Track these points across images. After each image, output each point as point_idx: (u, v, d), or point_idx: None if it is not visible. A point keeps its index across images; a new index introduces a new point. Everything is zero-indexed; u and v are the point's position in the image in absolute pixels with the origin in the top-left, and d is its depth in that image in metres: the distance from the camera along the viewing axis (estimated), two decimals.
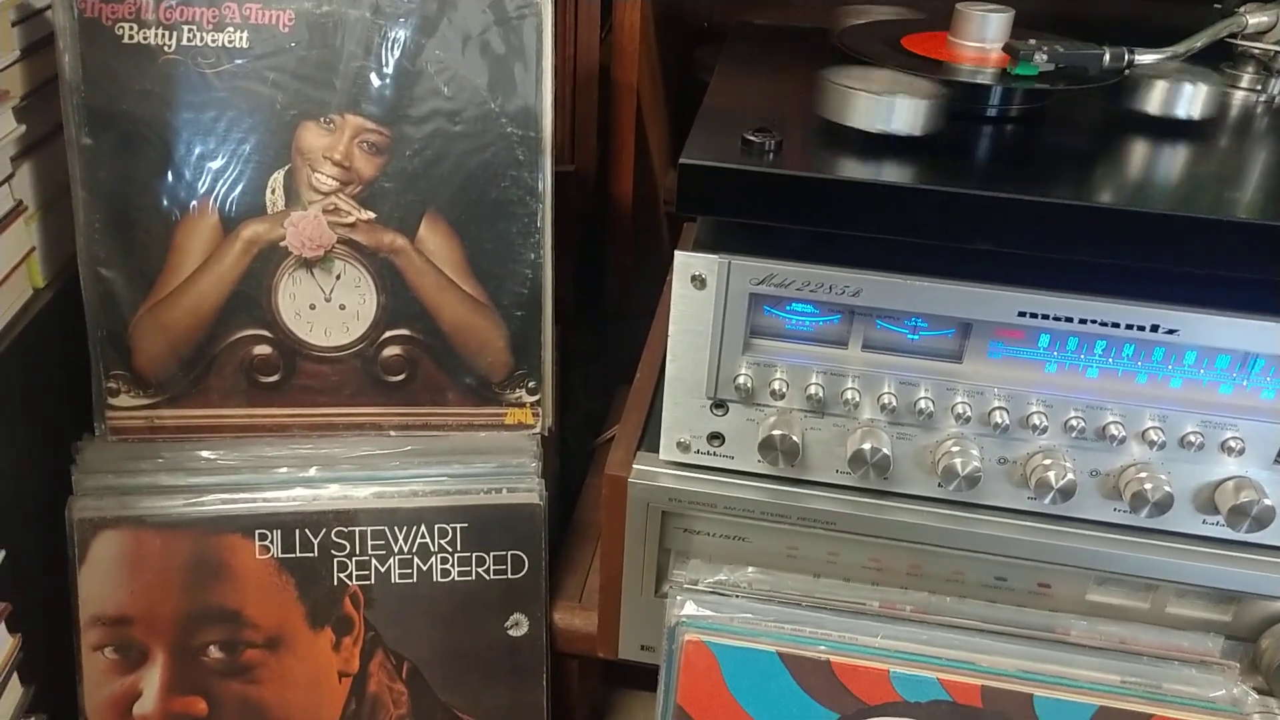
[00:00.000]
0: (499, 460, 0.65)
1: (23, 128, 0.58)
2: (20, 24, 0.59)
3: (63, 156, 0.63)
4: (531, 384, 0.66)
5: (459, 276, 0.63)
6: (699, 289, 0.47)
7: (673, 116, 1.00)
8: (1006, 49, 0.52)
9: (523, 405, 0.66)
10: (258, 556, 0.61)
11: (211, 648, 0.61)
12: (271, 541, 0.61)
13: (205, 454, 0.62)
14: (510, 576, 0.63)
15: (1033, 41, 0.51)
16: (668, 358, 0.50)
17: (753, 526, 0.53)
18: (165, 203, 0.61)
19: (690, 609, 0.51)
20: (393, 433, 0.65)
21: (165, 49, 0.59)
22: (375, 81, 0.61)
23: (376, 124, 0.61)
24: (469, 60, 0.61)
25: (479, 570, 0.63)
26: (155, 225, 0.61)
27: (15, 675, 0.55)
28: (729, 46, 0.66)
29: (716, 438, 0.51)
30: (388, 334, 0.64)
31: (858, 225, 0.44)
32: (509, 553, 0.63)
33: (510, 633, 0.64)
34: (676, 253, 0.47)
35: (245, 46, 0.60)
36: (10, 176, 0.58)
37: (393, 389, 0.65)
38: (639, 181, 0.87)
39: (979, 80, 0.52)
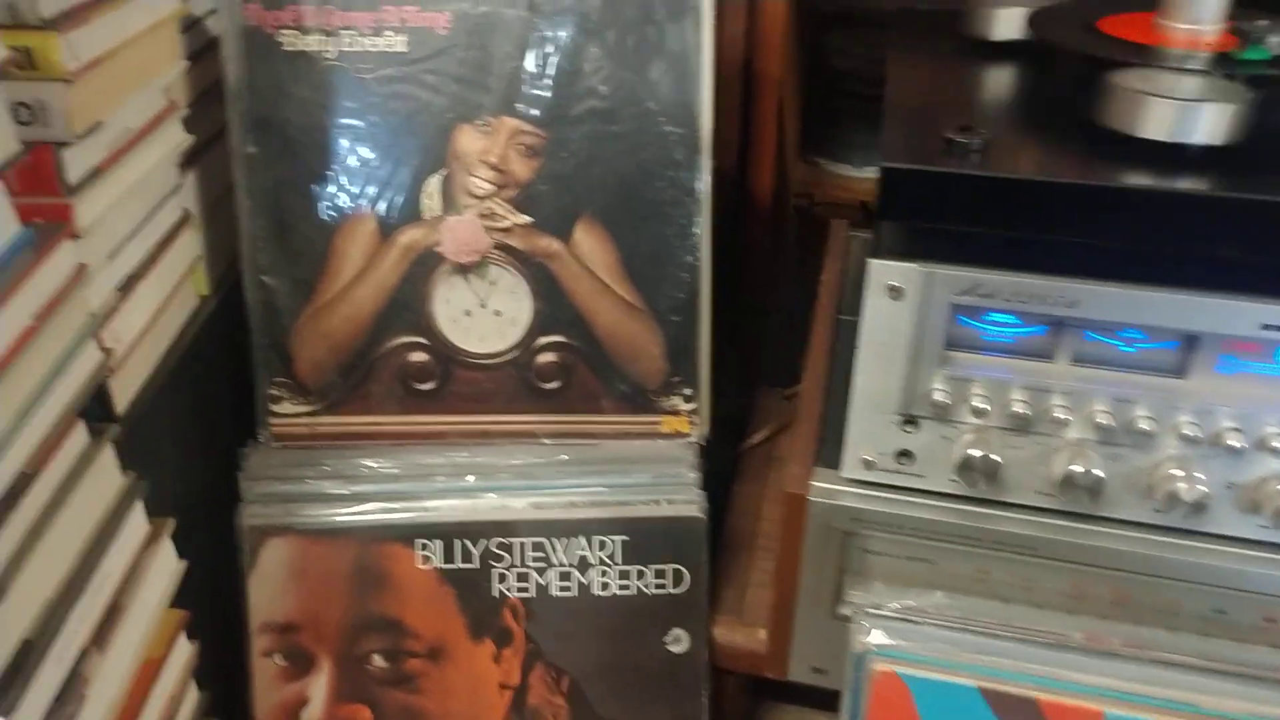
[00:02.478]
0: (656, 470, 0.63)
1: (191, 138, 0.58)
2: (183, 34, 0.59)
3: (220, 164, 0.63)
4: (687, 391, 0.63)
5: (614, 281, 0.62)
6: (894, 300, 0.44)
7: (803, 106, 0.97)
8: (1233, 31, 0.47)
9: (678, 413, 0.64)
10: (419, 566, 0.61)
11: (375, 656, 0.61)
12: (432, 551, 0.61)
13: (365, 462, 0.62)
14: (671, 590, 0.62)
15: (1264, 22, 0.46)
16: (856, 371, 0.47)
17: (940, 549, 0.50)
18: (325, 209, 0.60)
19: (880, 637, 0.48)
20: (546, 441, 0.64)
21: (325, 55, 0.59)
22: (531, 82, 0.59)
23: (532, 125, 0.60)
24: (626, 58, 0.59)
25: (639, 584, 0.61)
26: (315, 232, 0.61)
27: (193, 680, 0.56)
28: (895, 36, 0.62)
29: (905, 455, 0.48)
30: (542, 340, 0.63)
31: (1082, 232, 0.41)
32: (669, 566, 0.61)
33: (670, 648, 0.62)
34: (871, 262, 0.44)
35: (403, 50, 0.59)
36: (178, 186, 0.59)
37: (547, 396, 0.63)
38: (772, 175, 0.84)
39: (1196, 67, 0.47)
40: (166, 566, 0.52)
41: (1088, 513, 0.47)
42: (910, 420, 0.47)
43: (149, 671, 0.51)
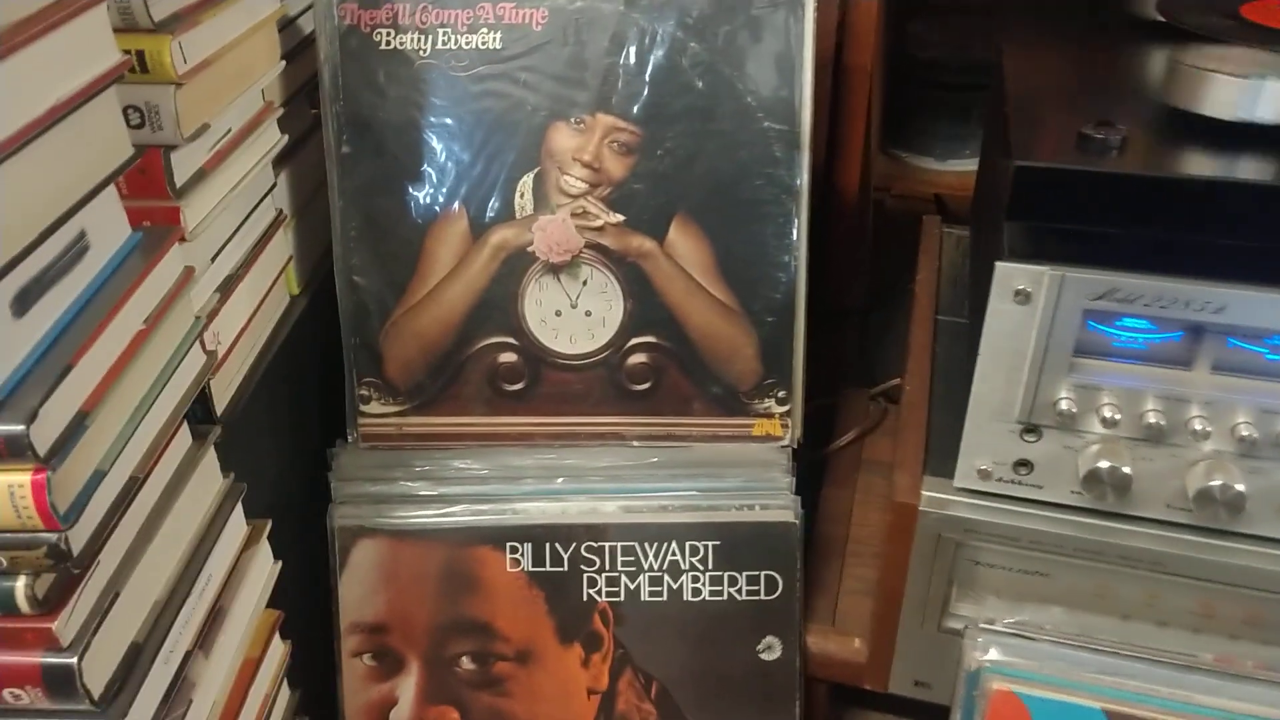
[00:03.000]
0: (748, 474, 0.61)
1: (285, 138, 0.58)
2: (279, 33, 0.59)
3: (309, 162, 0.63)
4: (781, 394, 0.62)
5: (708, 281, 0.60)
6: (1020, 304, 0.42)
7: (887, 97, 0.94)
8: None
9: (771, 416, 0.62)
10: (508, 569, 0.60)
11: (464, 659, 0.60)
12: (521, 554, 0.60)
13: (454, 463, 0.62)
14: (763, 598, 0.60)
15: None
16: (976, 378, 0.45)
17: (1058, 562, 0.48)
18: (417, 208, 0.60)
19: (996, 654, 0.46)
20: (635, 443, 0.63)
21: (420, 53, 0.58)
22: (627, 78, 0.58)
23: (628, 123, 0.59)
24: (725, 53, 0.58)
25: (730, 590, 0.60)
26: (407, 232, 0.60)
27: (285, 680, 0.56)
28: (1007, 25, 0.60)
29: (1024, 465, 0.46)
30: (633, 341, 0.61)
31: (1230, 232, 0.38)
32: (762, 573, 0.60)
33: (762, 656, 0.61)
34: (998, 264, 0.42)
35: (498, 48, 0.58)
36: (273, 186, 0.59)
37: (637, 398, 0.62)
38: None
39: None
40: (264, 567, 0.52)
41: (1224, 528, 0.44)
42: (1031, 429, 0.45)
43: (247, 672, 0.51)
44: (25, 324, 0.35)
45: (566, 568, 0.60)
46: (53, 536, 0.35)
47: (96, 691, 0.38)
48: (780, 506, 0.60)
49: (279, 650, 0.55)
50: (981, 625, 0.48)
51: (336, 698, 0.61)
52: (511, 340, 0.62)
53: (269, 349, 0.58)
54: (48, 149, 0.35)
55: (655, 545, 0.60)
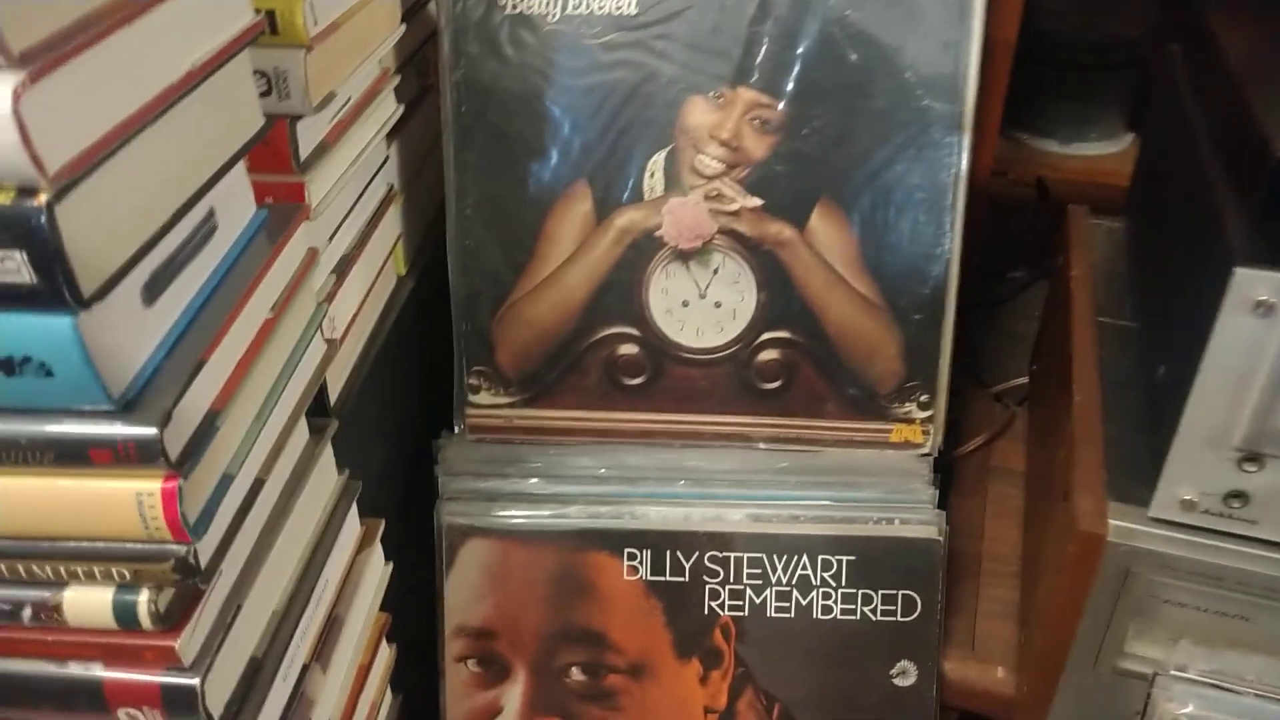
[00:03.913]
0: (886, 484, 0.57)
1: (401, 108, 0.54)
2: None
3: (416, 134, 0.59)
4: (924, 398, 0.57)
5: (851, 273, 0.55)
6: (1261, 316, 0.37)
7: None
8: None
9: (911, 421, 0.57)
10: (625, 577, 0.56)
11: (574, 669, 0.57)
12: (641, 562, 0.56)
13: (570, 460, 0.58)
14: (900, 619, 0.55)
15: None
16: (1191, 398, 0.39)
17: (1265, 607, 0.42)
18: (538, 186, 0.56)
19: (1194, 708, 0.41)
20: (762, 445, 0.58)
21: (549, 18, 0.54)
22: (773, 49, 0.53)
23: (772, 98, 0.53)
24: (884, 23, 0.52)
25: (865, 609, 0.56)
26: (527, 212, 0.56)
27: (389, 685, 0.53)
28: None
29: (1238, 497, 0.41)
30: (765, 336, 0.57)
31: None
32: (900, 592, 0.55)
33: (896, 682, 0.56)
34: (1237, 271, 0.36)
35: (633, 13, 0.53)
36: (386, 160, 0.55)
37: (766, 397, 0.58)
38: None
39: None
40: (377, 570, 0.49)
41: None
42: (1253, 458, 0.40)
43: (358, 680, 0.48)
44: (155, 313, 0.32)
45: (688, 578, 0.56)
46: (181, 549, 0.32)
47: (217, 713, 0.35)
48: (922, 521, 0.55)
49: (386, 655, 0.51)
50: (1174, 673, 0.42)
51: (438, 704, 0.58)
52: (633, 331, 0.57)
53: (378, 334, 0.55)
54: (182, 118, 0.32)
55: (785, 558, 0.55)
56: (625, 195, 0.55)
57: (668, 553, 0.56)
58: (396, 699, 0.53)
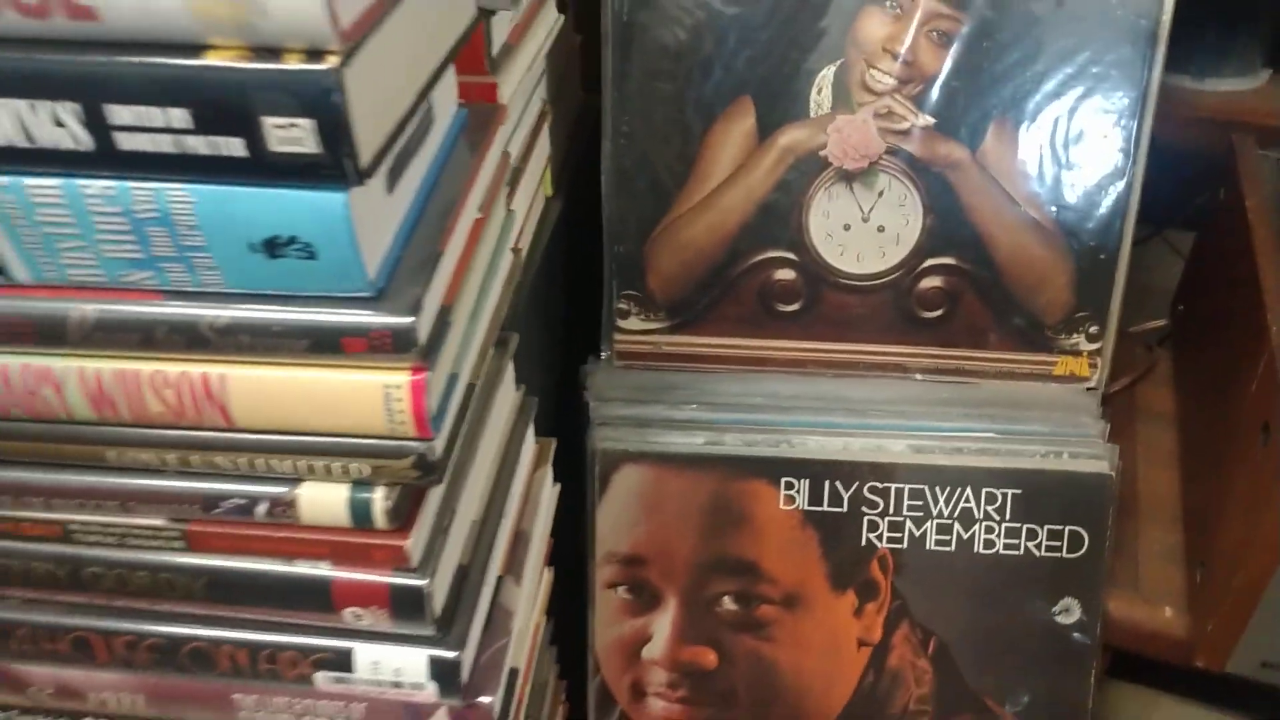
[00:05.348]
0: (1051, 418, 0.55)
1: (563, 18, 0.52)
2: None
3: (559, 50, 0.57)
4: (1093, 329, 0.55)
5: (1025, 197, 0.53)
6: None
7: None
8: None
9: (1078, 354, 0.55)
10: (781, 506, 0.55)
11: (725, 599, 0.56)
12: (798, 491, 0.55)
13: (723, 387, 0.56)
14: (1064, 555, 0.54)
15: None
16: None
17: None
18: (700, 102, 0.54)
19: None
20: (919, 376, 0.56)
21: None
22: None
23: (952, 8, 0.51)
24: None
25: (1029, 544, 0.54)
26: (686, 129, 0.54)
27: None
28: None
29: None
30: (929, 263, 0.55)
31: None
32: (1066, 528, 0.54)
33: (1059, 619, 0.55)
34: None
35: None
36: (543, 73, 0.53)
37: (926, 326, 0.56)
38: None
39: None
40: (548, 490, 0.48)
41: None
42: None
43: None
44: (394, 201, 0.30)
45: (846, 508, 0.55)
46: (422, 446, 0.31)
47: (436, 616, 0.35)
48: (1092, 456, 0.53)
49: (547, 578, 0.51)
50: None
51: (586, 629, 0.58)
52: (791, 255, 0.55)
53: (533, 255, 0.53)
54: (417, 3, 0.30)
55: (947, 490, 0.54)
56: (790, 113, 0.53)
57: (826, 482, 0.55)
58: (549, 623, 0.53)
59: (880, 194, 0.54)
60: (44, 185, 0.26)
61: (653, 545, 0.56)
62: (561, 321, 0.60)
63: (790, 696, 0.57)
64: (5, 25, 0.24)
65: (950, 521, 0.54)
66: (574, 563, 0.58)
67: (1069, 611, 0.55)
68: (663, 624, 0.57)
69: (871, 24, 0.52)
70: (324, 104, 0.24)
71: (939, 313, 0.55)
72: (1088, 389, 0.55)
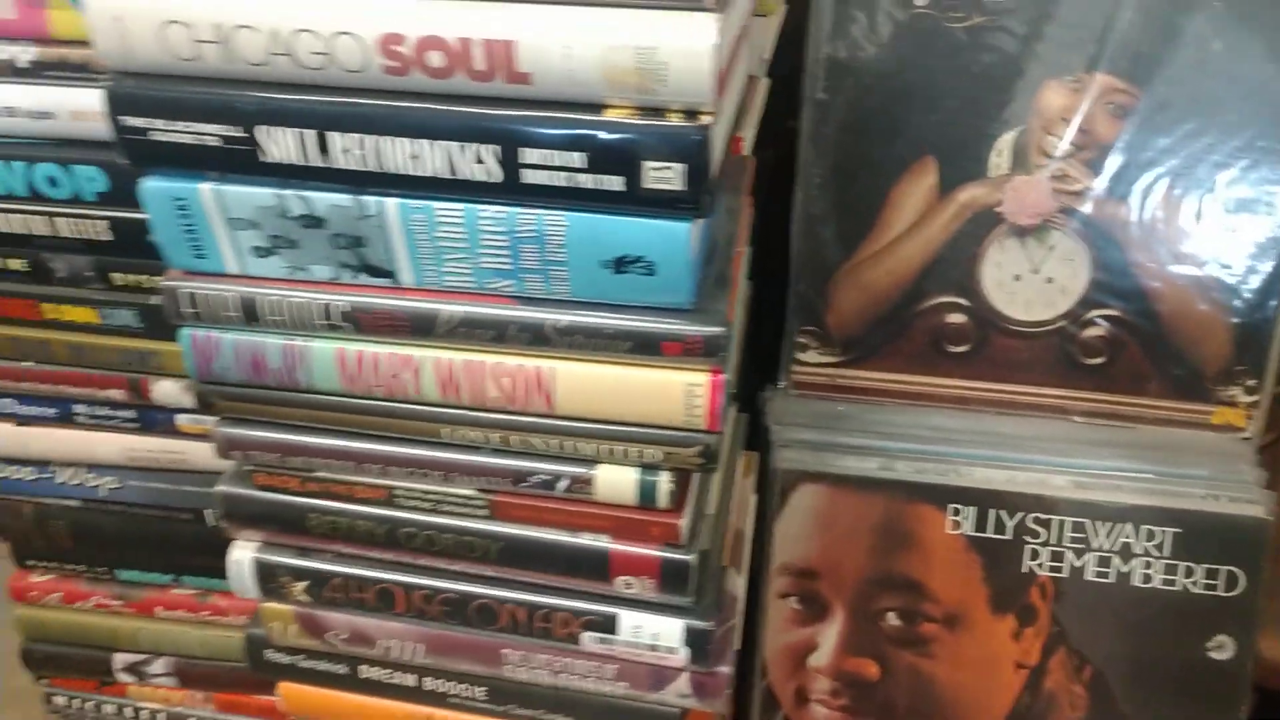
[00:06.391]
0: (1207, 464, 0.58)
1: (768, 80, 0.59)
2: None
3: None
4: (1250, 382, 0.58)
5: (1188, 257, 0.57)
6: None
7: None
8: None
9: (1235, 405, 0.59)
10: (947, 530, 0.59)
11: (890, 614, 0.60)
12: (964, 517, 0.59)
13: (891, 418, 0.61)
14: (1220, 593, 0.57)
15: None
16: None
17: None
18: (888, 160, 0.60)
19: None
20: (1078, 418, 0.61)
21: (915, 3, 0.58)
22: (1135, 36, 0.56)
23: (1129, 84, 0.56)
24: (1253, 13, 0.54)
25: (1185, 581, 0.57)
26: (874, 182, 0.60)
27: None
28: None
29: None
30: (1094, 313, 0.59)
31: None
32: (1223, 567, 0.57)
33: (1212, 655, 0.58)
34: None
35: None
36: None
37: (1087, 372, 0.60)
38: None
39: None
40: (749, 500, 0.54)
41: None
42: None
43: None
44: (699, 227, 0.37)
45: (1010, 536, 0.59)
46: (709, 438, 0.37)
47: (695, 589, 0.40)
48: (1249, 500, 0.57)
49: (739, 586, 0.56)
50: None
51: (755, 634, 0.62)
52: (963, 301, 0.61)
53: None
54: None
55: (1108, 525, 0.58)
56: (970, 172, 0.59)
57: (991, 511, 0.59)
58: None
59: (1051, 248, 0.59)
60: (450, 209, 0.33)
61: (825, 560, 0.61)
62: (744, 349, 0.66)
63: (947, 712, 0.60)
64: (455, 85, 0.31)
65: (1109, 555, 0.58)
66: (749, 572, 0.63)
67: (1223, 648, 0.57)
68: (829, 635, 0.61)
69: (1052, 96, 0.57)
70: (695, 152, 0.31)
71: (1101, 360, 0.60)
72: (1243, 439, 0.59)
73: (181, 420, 0.50)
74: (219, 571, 0.56)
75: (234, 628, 0.57)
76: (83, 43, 0.39)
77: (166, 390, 0.48)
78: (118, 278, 0.45)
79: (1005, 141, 0.59)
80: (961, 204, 0.60)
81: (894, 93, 0.60)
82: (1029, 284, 0.60)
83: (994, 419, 0.62)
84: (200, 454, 0.51)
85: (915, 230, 0.61)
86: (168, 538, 0.55)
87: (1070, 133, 0.58)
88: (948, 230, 0.61)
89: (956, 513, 0.60)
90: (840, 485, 0.61)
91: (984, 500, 0.59)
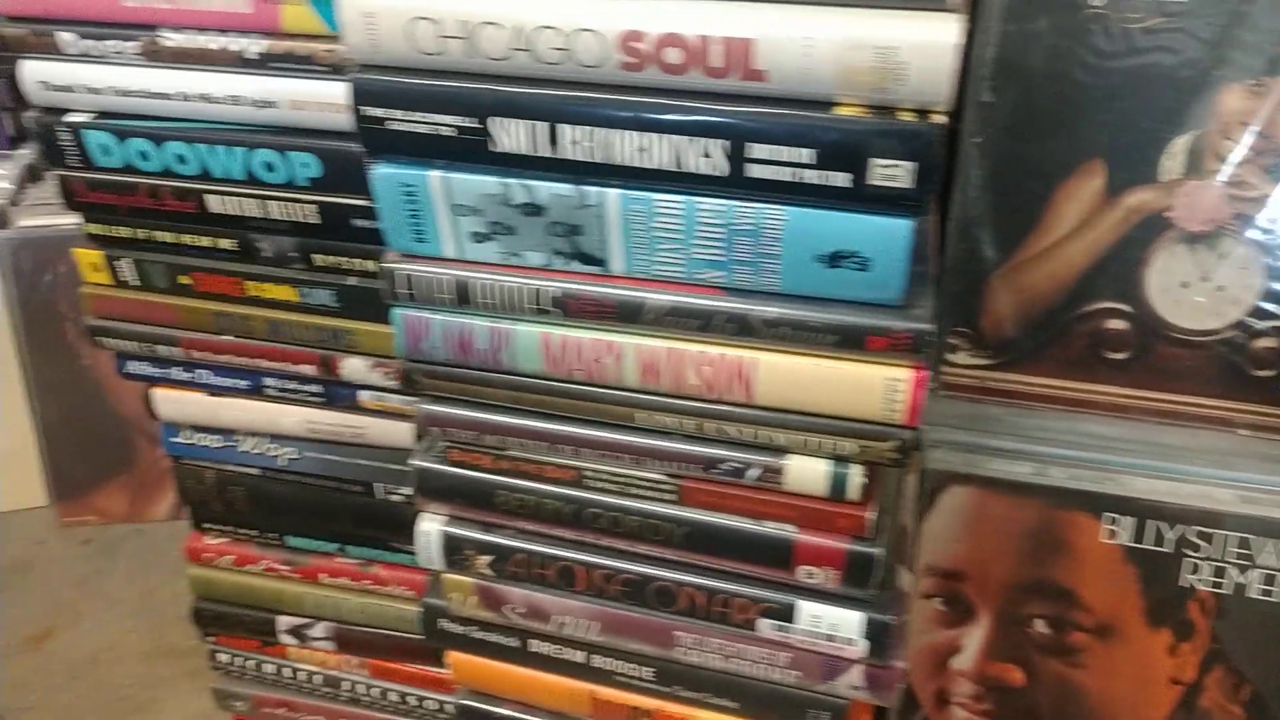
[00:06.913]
0: None
1: None
2: None
3: None
4: None
5: None
6: None
7: None
8: None
9: None
10: (1102, 540, 0.58)
11: (1038, 621, 0.60)
12: (1121, 527, 0.58)
13: (1045, 423, 0.61)
14: None
15: None
16: None
17: None
18: (1053, 163, 0.59)
19: None
20: (1243, 431, 0.59)
21: (1090, 3, 0.57)
22: None
23: None
24: None
25: None
26: (1038, 185, 0.59)
27: None
28: None
29: None
30: (1267, 324, 0.58)
31: None
32: None
33: None
34: None
35: (1183, 0, 0.56)
36: None
37: (1256, 384, 0.58)
38: None
39: None
40: (911, 498, 0.54)
41: None
42: None
43: None
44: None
45: (1169, 549, 0.57)
46: (905, 433, 0.37)
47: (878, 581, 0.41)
48: None
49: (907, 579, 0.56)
50: None
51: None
52: (1125, 307, 0.59)
53: None
54: None
55: (1276, 542, 0.56)
56: (1140, 176, 0.58)
57: (1149, 522, 0.58)
58: None
59: (1222, 256, 0.57)
60: (670, 200, 0.35)
61: (972, 562, 0.60)
62: None
63: None
64: (687, 81, 0.32)
65: (1274, 573, 0.56)
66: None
67: None
68: (973, 638, 0.61)
69: (1230, 100, 0.56)
70: (926, 151, 0.31)
71: (1272, 372, 0.58)
72: None
73: (364, 396, 0.52)
74: (382, 543, 0.59)
75: (392, 597, 0.59)
76: (311, 36, 0.41)
77: (354, 367, 0.51)
78: (319, 259, 0.48)
79: (1179, 145, 0.58)
80: (1129, 208, 0.59)
81: (1063, 94, 0.59)
82: (1197, 292, 0.59)
83: (1154, 428, 0.61)
84: (378, 429, 0.53)
85: (1078, 233, 0.60)
86: (337, 508, 0.57)
87: (1249, 137, 0.56)
88: (1113, 234, 0.60)
89: (1113, 522, 0.59)
90: (991, 488, 0.61)
91: (1143, 511, 0.58)
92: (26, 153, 0.98)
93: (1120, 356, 0.61)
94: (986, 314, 0.62)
